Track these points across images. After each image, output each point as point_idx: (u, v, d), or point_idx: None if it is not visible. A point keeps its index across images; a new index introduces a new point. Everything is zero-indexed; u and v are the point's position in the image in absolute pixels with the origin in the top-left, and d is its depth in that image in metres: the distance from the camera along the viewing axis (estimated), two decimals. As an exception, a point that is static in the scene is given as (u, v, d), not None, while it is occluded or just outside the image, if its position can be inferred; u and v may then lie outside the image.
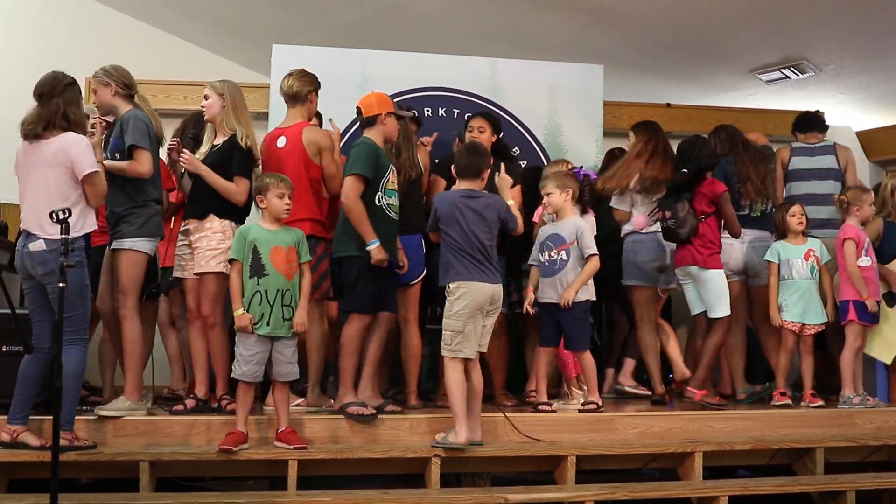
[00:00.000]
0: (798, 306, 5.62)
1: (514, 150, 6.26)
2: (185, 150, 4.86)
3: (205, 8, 7.19)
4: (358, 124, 5.11)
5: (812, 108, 6.72)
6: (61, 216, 3.76)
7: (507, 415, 4.85)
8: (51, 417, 3.62)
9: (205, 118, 4.99)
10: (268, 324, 4.42)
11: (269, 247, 4.48)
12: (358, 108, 4.99)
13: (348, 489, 4.38)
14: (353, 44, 6.74)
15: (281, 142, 5.01)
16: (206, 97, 4.93)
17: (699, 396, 5.39)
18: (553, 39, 7.07)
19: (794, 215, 5.74)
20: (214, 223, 4.79)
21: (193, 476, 4.58)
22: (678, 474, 4.85)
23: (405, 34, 7.08)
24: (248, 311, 4.40)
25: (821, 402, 5.48)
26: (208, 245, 4.75)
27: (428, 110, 6.33)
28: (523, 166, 6.29)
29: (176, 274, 5.01)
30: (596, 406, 5.10)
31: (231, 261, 4.51)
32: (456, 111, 6.42)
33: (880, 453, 5.16)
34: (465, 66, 6.57)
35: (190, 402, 4.85)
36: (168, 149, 4.97)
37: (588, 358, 5.15)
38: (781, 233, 5.82)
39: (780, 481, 4.80)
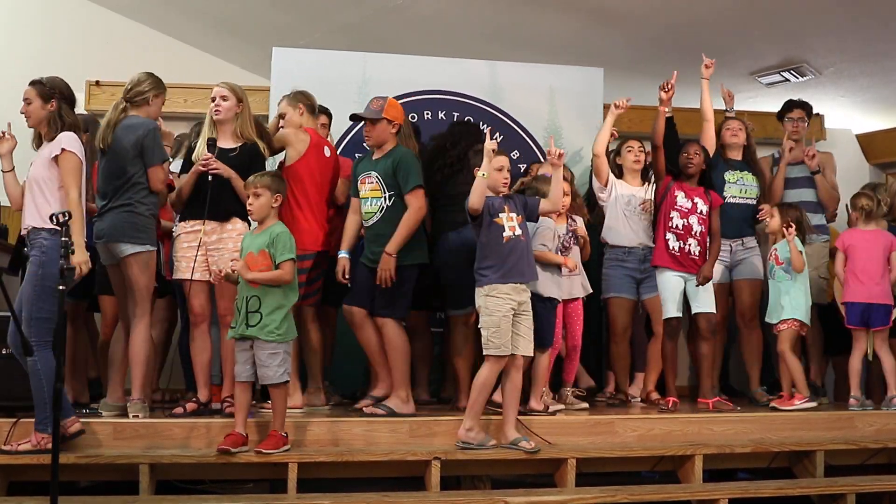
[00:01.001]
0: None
1: (513, 152, 6.25)
2: (210, 158, 4.75)
3: (204, 9, 7.18)
4: (359, 126, 5.13)
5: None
6: (61, 219, 3.78)
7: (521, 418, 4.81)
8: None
9: (214, 118, 4.88)
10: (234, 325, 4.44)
11: (245, 253, 4.50)
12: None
13: (348, 492, 4.38)
14: (352, 44, 6.74)
15: (327, 152, 5.12)
16: (224, 98, 4.85)
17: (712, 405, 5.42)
18: (553, 40, 7.07)
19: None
20: (238, 225, 4.81)
21: (193, 479, 4.58)
22: (678, 477, 4.85)
23: (405, 35, 7.08)
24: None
25: (813, 404, 5.47)
26: (235, 246, 4.70)
27: (427, 113, 6.32)
28: (523, 168, 6.27)
29: (176, 276, 4.92)
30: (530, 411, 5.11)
31: None
32: (455, 114, 6.36)
33: (880, 456, 5.16)
34: (464, 69, 6.55)
35: (190, 406, 4.85)
36: (201, 164, 4.79)
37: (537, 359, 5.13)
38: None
39: (781, 484, 4.80)
